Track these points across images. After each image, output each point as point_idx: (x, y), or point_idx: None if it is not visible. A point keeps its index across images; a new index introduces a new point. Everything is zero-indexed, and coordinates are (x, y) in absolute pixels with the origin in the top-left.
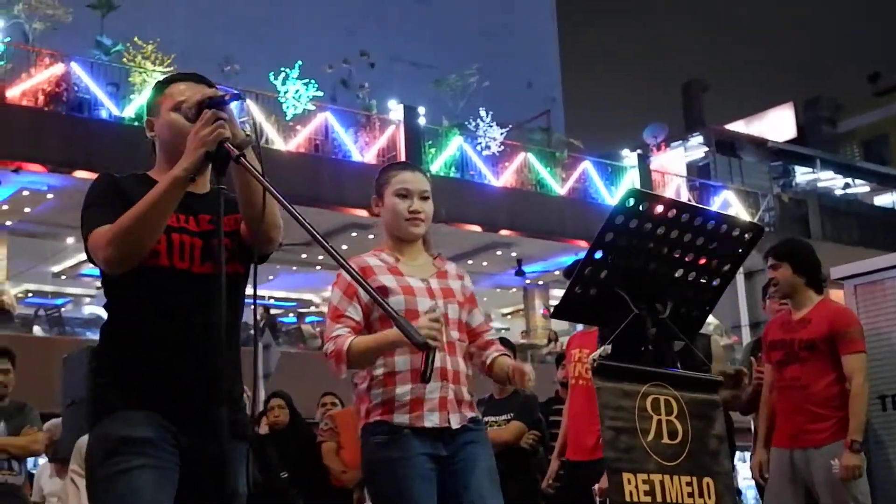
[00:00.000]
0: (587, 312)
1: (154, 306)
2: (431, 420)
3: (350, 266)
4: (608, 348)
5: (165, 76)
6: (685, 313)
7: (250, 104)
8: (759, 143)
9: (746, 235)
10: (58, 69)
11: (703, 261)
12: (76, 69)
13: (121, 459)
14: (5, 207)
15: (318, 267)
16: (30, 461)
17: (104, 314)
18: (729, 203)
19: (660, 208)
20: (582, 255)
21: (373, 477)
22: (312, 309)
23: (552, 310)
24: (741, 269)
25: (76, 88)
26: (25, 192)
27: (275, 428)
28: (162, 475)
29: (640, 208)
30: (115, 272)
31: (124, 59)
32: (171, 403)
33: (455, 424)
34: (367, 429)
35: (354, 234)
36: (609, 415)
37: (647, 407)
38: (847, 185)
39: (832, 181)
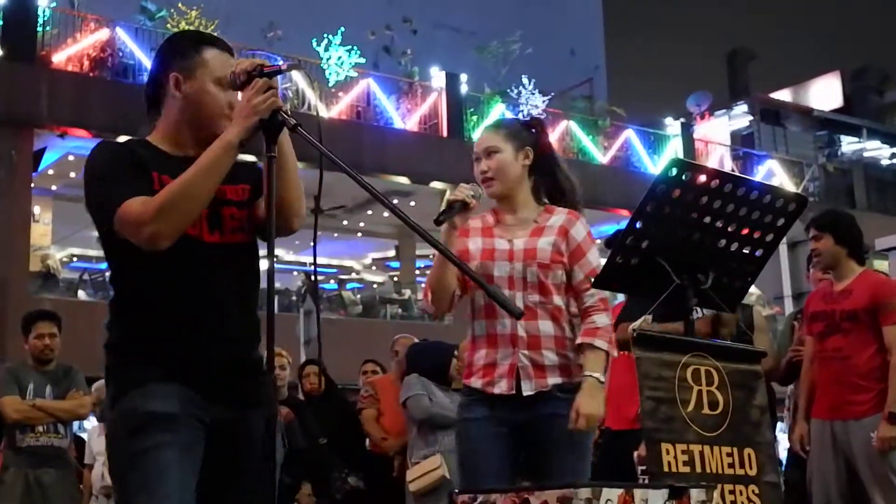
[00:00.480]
0: (628, 282)
1: (167, 276)
2: (500, 387)
3: (421, 229)
4: (648, 318)
5: (192, 32)
6: (727, 284)
7: (294, 73)
8: (805, 113)
9: (790, 206)
10: (103, 34)
11: (745, 231)
12: (121, 34)
13: (145, 437)
14: (51, 172)
15: (359, 234)
16: (78, 422)
17: None
18: (773, 173)
19: (703, 178)
20: (623, 224)
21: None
22: (353, 276)
23: (593, 279)
24: (784, 240)
25: (121, 54)
26: (71, 157)
27: (310, 395)
28: (186, 452)
29: (683, 178)
30: (160, 248)
31: (168, 25)
32: (192, 375)
33: (528, 391)
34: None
35: (396, 200)
36: (649, 385)
37: (688, 377)
38: (894, 156)
39: (878, 151)
